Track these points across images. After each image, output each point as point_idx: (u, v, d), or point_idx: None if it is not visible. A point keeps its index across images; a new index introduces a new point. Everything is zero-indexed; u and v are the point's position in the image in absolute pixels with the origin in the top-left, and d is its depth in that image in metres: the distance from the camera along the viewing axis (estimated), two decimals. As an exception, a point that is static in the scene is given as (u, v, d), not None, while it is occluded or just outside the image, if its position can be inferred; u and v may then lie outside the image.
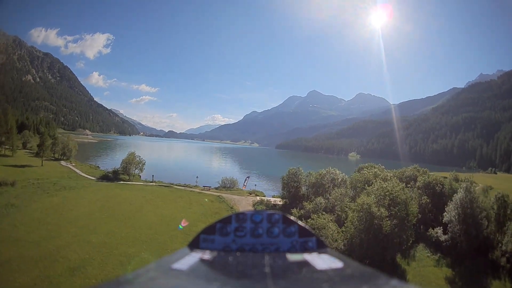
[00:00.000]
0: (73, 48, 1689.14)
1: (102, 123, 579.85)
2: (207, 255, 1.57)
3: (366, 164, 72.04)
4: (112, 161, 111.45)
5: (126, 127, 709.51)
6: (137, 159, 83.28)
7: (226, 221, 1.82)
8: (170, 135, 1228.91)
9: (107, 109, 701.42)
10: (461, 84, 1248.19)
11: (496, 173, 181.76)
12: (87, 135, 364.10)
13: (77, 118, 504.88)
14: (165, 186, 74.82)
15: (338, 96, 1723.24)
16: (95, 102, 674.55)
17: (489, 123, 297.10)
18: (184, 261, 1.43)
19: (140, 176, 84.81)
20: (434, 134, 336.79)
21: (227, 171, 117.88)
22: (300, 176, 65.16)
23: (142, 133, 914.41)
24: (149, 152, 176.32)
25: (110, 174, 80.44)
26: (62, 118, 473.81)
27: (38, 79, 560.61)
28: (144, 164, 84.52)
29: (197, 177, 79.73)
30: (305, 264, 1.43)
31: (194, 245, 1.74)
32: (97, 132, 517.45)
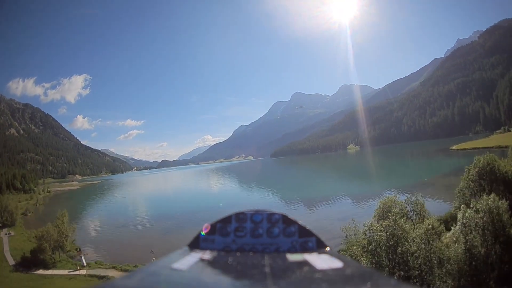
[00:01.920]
0: (53, 95, 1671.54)
1: (92, 165, 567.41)
2: (207, 255, 1.57)
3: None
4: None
5: (118, 165, 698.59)
6: (66, 225, 58.16)
7: (226, 221, 1.82)
8: (164, 164, 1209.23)
9: (95, 150, 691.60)
10: (441, 53, 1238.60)
11: (510, 130, 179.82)
12: (72, 181, 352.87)
13: (65, 165, 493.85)
14: (98, 277, 48.25)
15: (321, 93, 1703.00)
16: (83, 145, 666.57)
17: (483, 83, 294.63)
18: (184, 261, 1.42)
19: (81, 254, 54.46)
20: (431, 107, 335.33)
21: (230, 198, 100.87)
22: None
23: (135, 168, 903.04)
24: (128, 192, 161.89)
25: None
26: (50, 167, 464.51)
27: (21, 131, 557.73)
28: (73, 231, 61.10)
29: (151, 251, 47.97)
30: (305, 264, 1.42)
31: (194, 245, 1.74)
32: (88, 175, 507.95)
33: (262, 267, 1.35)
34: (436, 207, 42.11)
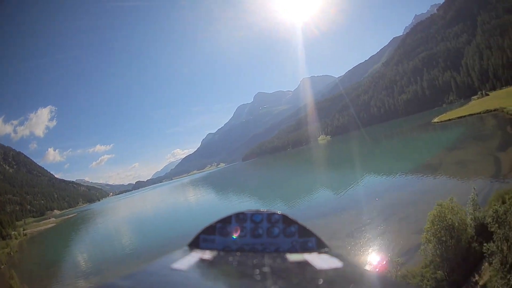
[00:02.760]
0: (22, 131, 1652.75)
1: (69, 198, 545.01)
2: (207, 255, 1.56)
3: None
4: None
5: (94, 193, 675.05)
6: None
7: (226, 221, 1.81)
8: (139, 185, 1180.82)
9: (70, 182, 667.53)
10: (399, 32, 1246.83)
11: (488, 94, 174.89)
12: (49, 218, 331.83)
13: (42, 202, 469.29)
14: None
15: (284, 89, 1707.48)
16: (57, 179, 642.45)
17: (449, 54, 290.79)
18: (184, 261, 1.42)
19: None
20: (398, 85, 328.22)
21: (208, 209, 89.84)
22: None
23: (111, 194, 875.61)
24: (103, 221, 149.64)
25: None
26: (29, 206, 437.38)
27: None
28: None
29: None
30: (305, 264, 1.43)
31: (194, 245, 1.74)
32: (66, 209, 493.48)
33: (262, 267, 1.34)
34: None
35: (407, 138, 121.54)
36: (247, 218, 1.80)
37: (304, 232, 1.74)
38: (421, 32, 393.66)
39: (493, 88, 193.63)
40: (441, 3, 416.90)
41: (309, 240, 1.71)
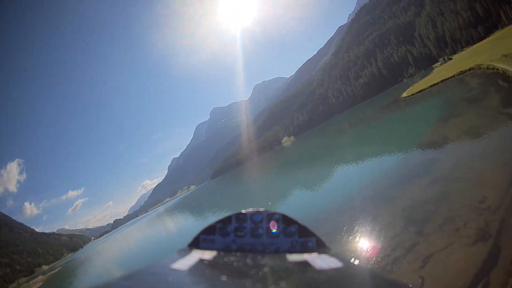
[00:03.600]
0: None
1: (53, 250, 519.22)
2: (207, 255, 1.55)
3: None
4: None
5: (76, 241, 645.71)
6: None
7: (226, 221, 1.81)
8: (117, 224, 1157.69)
9: (51, 234, 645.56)
10: (343, 20, 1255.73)
11: (451, 58, 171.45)
12: (37, 276, 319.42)
13: (29, 259, 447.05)
14: None
15: (238, 100, 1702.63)
16: (38, 233, 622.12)
17: (399, 29, 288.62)
18: (184, 261, 1.41)
19: None
20: (352, 71, 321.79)
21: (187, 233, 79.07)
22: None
23: (93, 238, 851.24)
24: (91, 269, 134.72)
25: None
26: (18, 266, 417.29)
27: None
28: None
29: None
30: (305, 264, 1.42)
31: (194, 245, 1.74)
32: (52, 262, 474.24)
33: (262, 267, 1.34)
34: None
35: (383, 119, 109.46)
36: (247, 218, 1.80)
37: (304, 232, 1.74)
38: (366, 15, 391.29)
39: (454, 52, 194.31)
40: None
41: (309, 240, 1.70)
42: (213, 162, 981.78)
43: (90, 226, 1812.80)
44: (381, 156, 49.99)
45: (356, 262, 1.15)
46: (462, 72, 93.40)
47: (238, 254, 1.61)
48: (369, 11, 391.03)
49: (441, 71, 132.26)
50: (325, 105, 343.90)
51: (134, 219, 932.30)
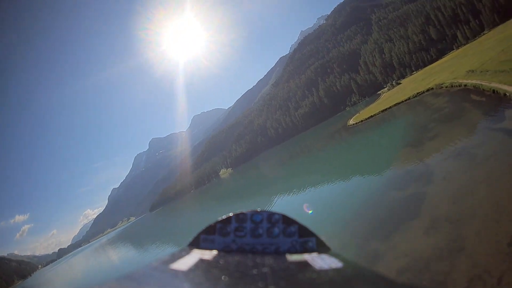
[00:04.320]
0: None
1: (5, 276, 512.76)
2: (207, 255, 1.52)
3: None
4: None
5: (25, 268, 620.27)
6: None
7: (226, 221, 1.80)
8: (62, 253, 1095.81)
9: (1, 258, 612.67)
10: (285, 51, 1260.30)
11: (400, 83, 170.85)
12: None
13: None
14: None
15: (176, 131, 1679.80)
16: None
17: (343, 58, 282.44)
18: (184, 261, 1.39)
19: None
20: (292, 102, 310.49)
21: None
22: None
23: (40, 266, 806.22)
24: None
25: None
26: None
27: None
28: None
29: None
30: (305, 264, 1.38)
31: (194, 245, 1.72)
32: None
33: (262, 268, 1.31)
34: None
35: (330, 148, 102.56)
36: (247, 218, 1.78)
37: (304, 232, 1.71)
38: (309, 44, 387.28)
39: (402, 77, 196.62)
40: (327, 14, 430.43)
41: (309, 240, 1.67)
42: (152, 193, 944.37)
43: (37, 253, 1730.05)
44: (345, 189, 43.77)
45: (356, 262, 1.28)
46: (418, 94, 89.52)
47: (238, 254, 1.58)
48: (313, 41, 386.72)
49: (390, 96, 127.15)
50: (264, 136, 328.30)
51: (78, 249, 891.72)
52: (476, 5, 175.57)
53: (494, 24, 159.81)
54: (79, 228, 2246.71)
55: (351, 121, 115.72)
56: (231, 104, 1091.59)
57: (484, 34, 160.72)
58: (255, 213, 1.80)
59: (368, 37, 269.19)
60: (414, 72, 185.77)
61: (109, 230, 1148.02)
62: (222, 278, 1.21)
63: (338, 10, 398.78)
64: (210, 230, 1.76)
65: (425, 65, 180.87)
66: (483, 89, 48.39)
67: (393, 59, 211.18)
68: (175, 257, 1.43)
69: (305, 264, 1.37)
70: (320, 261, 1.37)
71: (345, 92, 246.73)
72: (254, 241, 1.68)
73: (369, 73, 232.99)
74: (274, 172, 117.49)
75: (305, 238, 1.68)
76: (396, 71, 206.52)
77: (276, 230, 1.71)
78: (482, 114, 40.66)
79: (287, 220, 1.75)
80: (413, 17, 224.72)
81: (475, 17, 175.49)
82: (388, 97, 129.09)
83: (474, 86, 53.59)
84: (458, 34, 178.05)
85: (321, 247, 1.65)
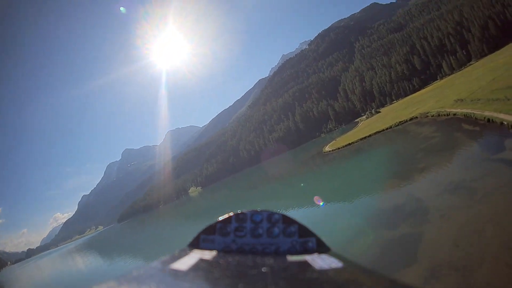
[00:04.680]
0: None
1: None
2: (207, 255, 1.54)
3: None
4: None
5: None
6: None
7: (226, 221, 1.81)
8: (31, 253, 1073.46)
9: None
10: (265, 74, 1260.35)
11: (379, 111, 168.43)
12: None
13: None
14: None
15: (150, 144, 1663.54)
16: None
17: (323, 84, 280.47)
18: (184, 261, 1.40)
19: None
20: (267, 125, 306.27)
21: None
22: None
23: (9, 263, 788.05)
24: None
25: None
26: None
27: None
28: None
29: None
30: (305, 264, 1.39)
31: (194, 245, 1.73)
32: None
33: (262, 267, 1.33)
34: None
35: (306, 174, 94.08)
36: (247, 218, 1.79)
37: (304, 232, 1.72)
38: (290, 69, 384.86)
39: (382, 106, 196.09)
40: (310, 39, 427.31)
41: (309, 240, 1.69)
42: (121, 204, 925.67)
43: (7, 250, 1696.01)
44: (323, 223, 35.73)
45: (356, 262, 1.36)
46: (401, 123, 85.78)
47: (238, 254, 1.61)
48: (294, 65, 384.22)
49: (370, 124, 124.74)
50: (236, 158, 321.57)
51: (47, 252, 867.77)
52: (465, 35, 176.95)
53: (482, 55, 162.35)
54: (49, 230, 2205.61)
55: (327, 148, 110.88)
56: (206, 122, 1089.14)
57: (471, 64, 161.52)
58: (255, 213, 1.79)
59: (349, 65, 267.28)
60: (395, 101, 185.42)
61: (77, 236, 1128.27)
62: (222, 278, 1.24)
63: (321, 36, 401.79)
64: (210, 230, 1.75)
65: (406, 95, 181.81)
66: (476, 118, 47.09)
67: (374, 87, 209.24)
68: (175, 257, 1.43)
69: (305, 264, 1.37)
70: (320, 261, 1.38)
71: (321, 119, 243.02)
72: (254, 241, 1.68)
73: (347, 100, 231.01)
74: (242, 195, 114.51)
75: (305, 238, 1.68)
76: (375, 100, 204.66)
77: (276, 230, 1.71)
78: (478, 144, 38.17)
79: (287, 220, 1.75)
80: (397, 46, 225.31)
81: (462, 47, 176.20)
82: (367, 125, 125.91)
83: (465, 115, 52.01)
84: (444, 64, 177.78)
85: (321, 247, 1.66)
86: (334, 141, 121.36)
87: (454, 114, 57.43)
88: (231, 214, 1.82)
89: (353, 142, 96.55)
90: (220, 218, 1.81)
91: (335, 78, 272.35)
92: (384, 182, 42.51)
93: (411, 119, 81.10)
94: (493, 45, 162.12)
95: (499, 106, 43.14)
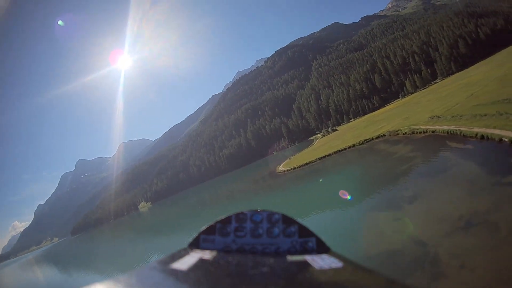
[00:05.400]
0: None
1: None
2: (207, 255, 1.48)
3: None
4: None
5: None
6: None
7: (226, 221, 1.75)
8: None
9: None
10: (219, 89, 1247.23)
11: (336, 129, 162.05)
12: None
13: None
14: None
15: (103, 155, 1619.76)
16: None
17: (278, 101, 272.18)
18: (184, 261, 1.35)
19: None
20: (218, 141, 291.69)
21: None
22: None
23: None
24: None
25: None
26: None
27: None
28: None
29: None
30: (305, 264, 1.35)
31: (194, 245, 1.66)
32: None
33: (262, 267, 1.30)
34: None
35: (260, 196, 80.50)
36: (247, 218, 1.73)
37: (304, 232, 1.66)
38: (244, 85, 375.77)
39: (338, 124, 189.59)
40: (267, 57, 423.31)
41: (309, 240, 1.62)
42: (75, 216, 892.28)
43: None
44: None
45: (356, 262, 1.22)
46: (366, 141, 77.30)
47: (238, 254, 1.56)
48: (248, 81, 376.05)
49: (327, 142, 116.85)
50: (186, 173, 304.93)
51: (7, 261, 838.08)
52: (432, 54, 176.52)
53: (449, 73, 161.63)
54: (8, 239, 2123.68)
55: (281, 168, 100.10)
56: (158, 136, 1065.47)
57: (436, 82, 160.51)
58: (255, 213, 1.75)
59: (305, 83, 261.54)
60: (352, 119, 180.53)
61: (34, 247, 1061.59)
62: (222, 278, 1.22)
63: (279, 53, 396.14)
64: (210, 230, 1.71)
65: (365, 113, 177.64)
66: (464, 135, 41.80)
67: (330, 105, 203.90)
68: (175, 257, 1.39)
69: (305, 264, 1.33)
70: (320, 261, 1.34)
71: (274, 136, 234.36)
72: (254, 241, 1.63)
73: (302, 118, 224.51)
74: (191, 213, 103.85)
75: (305, 238, 1.63)
76: (332, 118, 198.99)
77: (276, 230, 1.66)
78: (478, 165, 30.61)
79: (287, 220, 1.71)
80: (357, 64, 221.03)
81: (427, 66, 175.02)
82: (324, 143, 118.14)
83: (448, 132, 46.87)
84: (407, 82, 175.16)
85: (321, 247, 1.60)
86: (288, 160, 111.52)
87: (433, 132, 52.40)
88: (231, 214, 1.77)
89: (311, 162, 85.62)
90: (220, 218, 1.75)
91: (289, 96, 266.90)
92: (363, 215, 32.93)
93: (377, 137, 73.41)
94: (461, 64, 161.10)
95: (491, 122, 38.89)
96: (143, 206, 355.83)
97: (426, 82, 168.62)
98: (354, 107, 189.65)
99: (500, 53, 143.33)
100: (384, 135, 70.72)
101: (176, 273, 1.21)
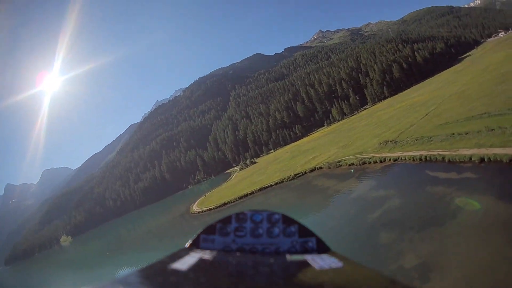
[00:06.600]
0: None
1: None
2: (207, 255, 1.44)
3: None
4: None
5: None
6: None
7: (226, 221, 1.71)
8: None
9: None
10: (137, 119, 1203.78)
11: (255, 162, 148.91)
12: None
13: None
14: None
15: (28, 182, 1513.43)
16: None
17: (194, 132, 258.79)
18: (184, 261, 1.30)
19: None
20: (133, 173, 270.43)
21: None
22: None
23: None
24: None
25: None
26: None
27: None
28: None
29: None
30: (305, 264, 1.30)
31: (194, 245, 1.62)
32: None
33: (262, 267, 1.28)
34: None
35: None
36: (247, 218, 1.70)
37: (304, 232, 1.63)
38: (161, 115, 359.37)
39: (257, 155, 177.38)
40: (186, 87, 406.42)
41: (309, 240, 1.58)
42: (7, 244, 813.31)
43: None
44: None
45: (356, 262, 1.26)
46: (297, 175, 65.48)
47: (238, 254, 1.52)
48: (165, 111, 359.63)
49: (247, 177, 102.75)
50: (102, 207, 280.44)
51: None
52: (361, 80, 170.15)
53: (381, 98, 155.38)
54: None
55: (195, 207, 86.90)
56: (79, 165, 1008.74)
57: (365, 108, 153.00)
58: (255, 213, 1.72)
59: (222, 113, 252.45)
60: (272, 150, 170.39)
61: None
62: (222, 278, 1.20)
63: (197, 83, 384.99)
64: (210, 230, 1.67)
65: (286, 143, 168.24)
66: (450, 160, 34.03)
67: (248, 136, 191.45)
68: (175, 257, 1.35)
69: (305, 264, 1.30)
70: (320, 261, 1.31)
71: (189, 169, 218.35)
72: (254, 241, 1.60)
73: (218, 150, 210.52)
74: (111, 251, 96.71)
75: (305, 238, 1.60)
76: (250, 150, 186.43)
77: (276, 230, 1.64)
78: (497, 204, 21.17)
79: (287, 220, 1.69)
80: (278, 94, 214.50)
81: (356, 92, 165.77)
82: (244, 177, 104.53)
83: (423, 159, 38.10)
84: (333, 110, 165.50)
85: (321, 247, 1.57)
86: (203, 197, 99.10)
87: (395, 160, 43.86)
88: (231, 214, 1.75)
89: (229, 201, 72.96)
90: (220, 218, 1.73)
91: (206, 126, 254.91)
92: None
93: (312, 170, 64.48)
94: (394, 88, 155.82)
95: (483, 140, 32.81)
96: (65, 240, 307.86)
97: (355, 108, 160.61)
98: (274, 137, 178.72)
99: (443, 73, 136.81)
100: (321, 167, 62.26)
101: (176, 273, 1.16)
